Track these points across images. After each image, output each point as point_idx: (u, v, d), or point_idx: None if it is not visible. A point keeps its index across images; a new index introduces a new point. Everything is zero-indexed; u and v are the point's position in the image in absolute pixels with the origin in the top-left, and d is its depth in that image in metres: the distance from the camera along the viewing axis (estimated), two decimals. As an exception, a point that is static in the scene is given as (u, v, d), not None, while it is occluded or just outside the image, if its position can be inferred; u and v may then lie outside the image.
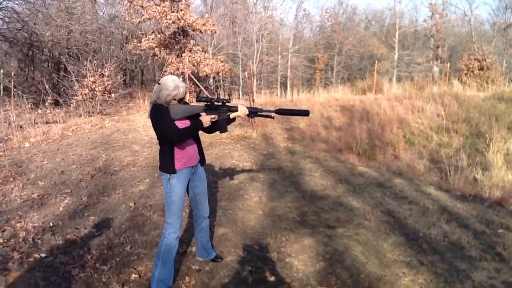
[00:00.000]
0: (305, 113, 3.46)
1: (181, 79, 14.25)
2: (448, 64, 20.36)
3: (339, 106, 13.55)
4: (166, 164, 3.23)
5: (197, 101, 3.21)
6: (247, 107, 3.28)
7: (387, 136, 10.87)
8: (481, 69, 20.12)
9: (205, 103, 3.25)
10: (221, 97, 3.25)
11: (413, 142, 10.93)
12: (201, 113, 3.28)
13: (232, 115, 3.27)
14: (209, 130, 3.34)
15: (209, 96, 15.43)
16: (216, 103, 3.24)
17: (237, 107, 3.25)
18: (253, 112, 3.31)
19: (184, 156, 3.25)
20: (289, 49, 30.59)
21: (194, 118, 3.25)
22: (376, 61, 21.94)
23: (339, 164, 7.52)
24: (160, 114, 3.16)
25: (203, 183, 3.52)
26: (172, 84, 3.15)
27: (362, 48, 34.73)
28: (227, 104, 3.25)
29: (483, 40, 29.61)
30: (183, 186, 3.29)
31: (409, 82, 21.22)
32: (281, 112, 3.34)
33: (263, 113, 3.34)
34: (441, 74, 24.57)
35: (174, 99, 3.18)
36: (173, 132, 3.12)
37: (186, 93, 3.21)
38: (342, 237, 4.38)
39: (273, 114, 3.31)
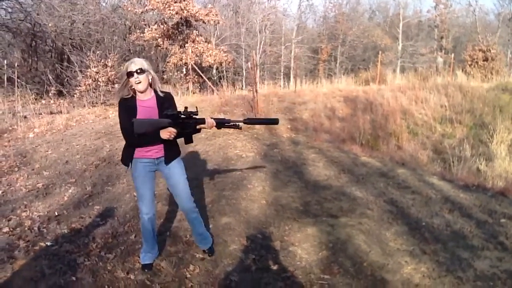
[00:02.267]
0: (274, 121, 3.49)
1: (184, 69, 14.20)
2: (452, 55, 20.24)
3: (342, 96, 13.52)
4: (123, 155, 3.40)
5: (162, 116, 3.15)
6: (214, 119, 3.27)
7: (391, 127, 10.86)
8: (486, 60, 20.02)
9: (170, 119, 3.16)
10: (189, 109, 3.21)
11: (417, 133, 10.92)
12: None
13: (198, 127, 3.25)
14: (175, 138, 3.27)
15: (213, 87, 15.43)
16: (182, 116, 3.18)
17: (204, 119, 3.23)
18: (221, 123, 3.30)
19: (140, 149, 3.29)
20: (293, 39, 30.51)
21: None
22: (380, 52, 21.85)
23: (342, 155, 7.54)
24: (118, 112, 3.24)
25: (174, 179, 3.44)
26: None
27: (365, 38, 34.56)
28: (193, 116, 3.21)
29: (487, 30, 29.44)
30: (141, 175, 3.34)
31: (412, 73, 21.17)
32: (249, 122, 3.43)
33: (231, 124, 3.32)
34: (445, 65, 24.45)
35: (129, 84, 3.19)
36: (127, 136, 3.23)
37: (145, 75, 3.16)
38: (345, 226, 4.40)
39: (241, 124, 3.32)
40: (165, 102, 3.27)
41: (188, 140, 3.34)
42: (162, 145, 3.31)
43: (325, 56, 33.89)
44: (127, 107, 3.19)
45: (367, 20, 39.69)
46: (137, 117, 3.15)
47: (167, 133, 3.14)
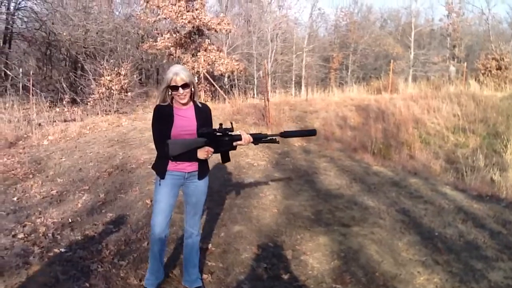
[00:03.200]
0: (312, 133, 3.40)
1: (196, 78, 14.25)
2: (465, 64, 20.16)
3: (354, 105, 13.51)
4: (156, 164, 3.22)
5: (198, 135, 3.04)
6: (250, 134, 3.15)
7: (403, 136, 10.83)
8: (499, 68, 19.86)
9: (206, 138, 3.06)
10: (224, 126, 3.09)
11: (429, 142, 10.86)
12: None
13: (235, 144, 3.12)
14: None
15: (224, 95, 15.51)
16: (218, 133, 3.07)
17: (240, 135, 3.11)
18: (257, 139, 3.19)
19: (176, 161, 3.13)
20: (304, 48, 30.58)
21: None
22: (392, 61, 21.80)
23: (354, 163, 7.52)
24: (152, 119, 3.12)
25: (197, 197, 3.27)
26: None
27: (377, 47, 34.51)
28: (229, 133, 3.10)
29: (501, 39, 29.15)
30: (167, 188, 3.14)
31: (425, 82, 21.07)
32: (287, 135, 3.29)
33: (268, 139, 3.20)
34: (458, 73, 24.33)
35: (169, 92, 3.05)
36: (158, 147, 3.10)
37: (190, 88, 3.04)
38: (357, 235, 4.40)
39: (278, 138, 3.20)
40: (202, 114, 3.16)
41: (225, 159, 3.23)
42: (196, 162, 3.16)
43: (337, 65, 33.89)
44: (163, 114, 3.07)
45: (379, 28, 39.61)
46: (174, 126, 3.02)
47: (204, 153, 3.04)
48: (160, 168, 3.14)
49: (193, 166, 3.15)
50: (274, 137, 3.20)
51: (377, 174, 6.96)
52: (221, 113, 11.67)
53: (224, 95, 15.67)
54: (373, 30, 36.35)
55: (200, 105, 3.18)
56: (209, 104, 14.78)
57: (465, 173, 7.85)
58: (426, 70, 30.42)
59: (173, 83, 2.95)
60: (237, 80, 25.26)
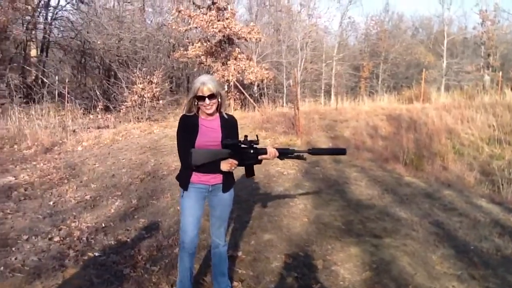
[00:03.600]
0: (342, 152, 3.28)
1: (225, 86, 14.41)
2: (500, 73, 19.62)
3: (385, 115, 13.34)
4: (180, 175, 3.17)
5: (222, 146, 2.98)
6: (277, 149, 3.04)
7: (435, 147, 10.59)
8: (536, 78, 19.26)
9: (230, 149, 2.98)
10: (249, 138, 3.00)
11: (463, 153, 10.59)
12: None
13: (260, 157, 3.03)
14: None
15: (254, 104, 15.57)
16: (243, 145, 2.98)
17: (265, 149, 3.01)
18: (284, 154, 3.07)
19: (197, 173, 3.06)
20: (334, 57, 30.48)
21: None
22: (424, 70, 21.45)
23: (385, 174, 7.42)
24: (177, 129, 3.08)
25: (221, 210, 3.22)
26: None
27: (408, 56, 34.11)
28: (254, 146, 3.00)
29: (538, 47, 28.36)
30: (192, 201, 3.09)
31: (458, 91, 20.63)
32: (314, 152, 3.19)
33: (294, 155, 3.10)
34: (493, 83, 23.75)
35: (195, 102, 3.01)
36: (182, 158, 3.04)
37: (216, 99, 2.99)
38: (389, 247, 4.32)
39: (305, 155, 3.09)
40: (228, 125, 3.10)
41: (249, 173, 3.13)
42: (221, 174, 3.10)
43: (367, 74, 33.62)
44: (189, 125, 3.03)
45: (410, 37, 39.16)
46: (199, 136, 2.98)
47: (228, 165, 2.98)
48: (183, 179, 3.11)
49: (217, 179, 3.09)
50: (301, 154, 3.10)
51: (409, 185, 6.84)
52: (251, 122, 11.72)
53: (254, 103, 15.73)
54: (404, 39, 35.97)
55: (226, 116, 3.12)
56: (239, 112, 14.89)
57: (501, 185, 7.62)
58: (459, 79, 29.80)
59: (199, 93, 2.91)
60: (267, 88, 25.33)
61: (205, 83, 2.90)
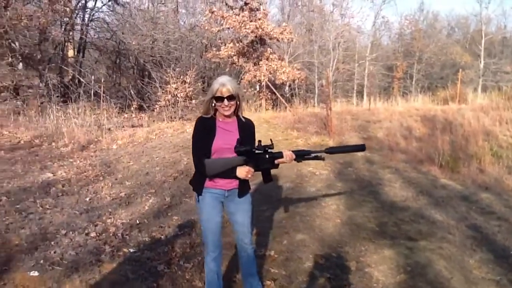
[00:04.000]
0: (360, 148, 3.14)
1: (257, 86, 14.39)
2: (541, 73, 18.92)
3: (419, 116, 13.09)
4: (193, 179, 3.12)
5: (235, 152, 2.88)
6: (293, 151, 2.98)
7: (472, 148, 10.31)
8: None
9: (243, 155, 2.90)
10: (263, 143, 2.95)
11: (501, 156, 10.27)
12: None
13: (276, 162, 2.97)
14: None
15: (285, 104, 15.54)
16: (257, 151, 2.91)
17: (281, 152, 2.95)
18: (301, 156, 3.00)
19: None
20: (366, 57, 30.10)
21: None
22: (460, 70, 20.92)
23: (420, 176, 7.27)
24: (193, 131, 3.02)
25: (242, 215, 3.13)
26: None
27: (443, 56, 33.34)
28: (269, 151, 2.94)
29: None
30: (209, 206, 3.02)
31: (496, 92, 20.01)
32: (332, 151, 3.08)
33: (312, 156, 3.03)
34: (533, 83, 22.89)
35: (213, 103, 2.94)
36: (196, 161, 2.95)
37: (235, 101, 2.92)
38: (424, 250, 4.24)
39: (323, 155, 3.02)
40: (245, 128, 3.03)
41: (267, 179, 3.09)
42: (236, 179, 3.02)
43: (400, 74, 33.02)
44: (205, 126, 2.96)
45: (446, 37, 38.26)
46: (216, 139, 2.91)
47: (244, 172, 2.89)
48: (197, 184, 3.05)
49: (233, 184, 3.01)
50: (319, 154, 3.03)
51: (445, 187, 6.68)
52: (282, 122, 11.71)
53: (285, 103, 15.71)
54: (439, 38, 35.18)
55: (243, 119, 3.05)
56: (270, 112, 14.89)
57: (541, 189, 7.35)
58: (497, 80, 28.93)
59: (218, 94, 2.85)
60: (298, 89, 25.25)
61: (225, 84, 2.85)
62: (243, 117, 3.07)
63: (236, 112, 3.01)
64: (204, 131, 2.95)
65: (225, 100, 2.85)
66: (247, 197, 3.14)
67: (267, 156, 2.94)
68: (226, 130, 2.97)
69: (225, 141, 2.91)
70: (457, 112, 13.42)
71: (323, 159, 3.05)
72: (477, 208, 5.68)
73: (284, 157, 2.94)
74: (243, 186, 3.07)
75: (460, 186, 6.85)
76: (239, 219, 3.13)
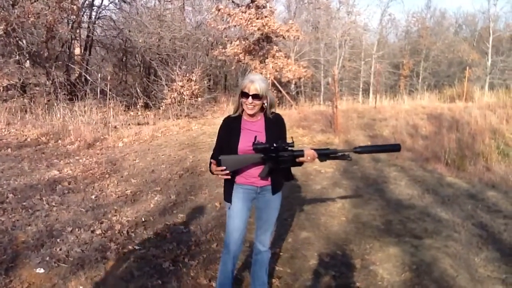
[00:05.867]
0: (395, 148, 2.92)
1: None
2: (550, 71, 18.75)
3: (425, 114, 13.03)
4: (224, 190, 3.03)
5: (253, 150, 2.76)
6: (316, 149, 2.80)
7: (478, 147, 10.24)
8: None
9: (261, 153, 2.79)
10: (285, 140, 2.87)
11: (508, 154, 10.19)
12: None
13: (298, 160, 2.81)
14: (269, 173, 2.89)
15: (292, 102, 15.52)
16: (276, 149, 2.78)
17: (302, 151, 2.79)
18: (325, 155, 2.82)
19: (243, 175, 2.93)
20: (373, 54, 29.96)
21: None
22: (467, 68, 20.77)
23: (426, 174, 7.24)
24: (218, 130, 3.01)
25: (269, 212, 3.06)
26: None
27: (451, 53, 33.12)
28: (290, 148, 2.78)
29: None
30: (240, 202, 2.96)
31: (503, 90, 19.86)
32: (362, 151, 2.84)
33: (338, 155, 2.81)
34: (541, 81, 22.70)
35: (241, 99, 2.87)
36: (210, 163, 2.88)
37: (260, 101, 2.84)
38: (429, 248, 4.22)
39: (351, 154, 2.80)
40: (273, 126, 2.93)
41: (288, 177, 3.05)
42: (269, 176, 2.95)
43: (407, 72, 32.88)
44: (229, 128, 2.92)
45: (453, 34, 38.02)
46: (240, 140, 2.86)
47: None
48: (225, 193, 3.01)
49: (266, 180, 2.94)
50: (346, 153, 2.80)
51: (451, 185, 6.65)
52: (288, 120, 11.59)
53: (292, 101, 15.69)
54: (446, 36, 34.97)
55: (271, 116, 2.94)
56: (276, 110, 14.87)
57: (549, 188, 7.29)
58: (505, 78, 28.68)
59: (245, 90, 2.78)
60: (304, 86, 25.21)
61: (254, 82, 2.77)
62: (272, 113, 2.96)
63: (264, 111, 2.93)
64: (227, 133, 2.92)
65: (250, 97, 2.78)
66: (279, 194, 3.07)
67: (286, 154, 2.79)
68: (252, 131, 2.88)
69: (250, 144, 2.79)
70: (463, 110, 13.33)
71: (350, 159, 2.84)
72: (483, 206, 5.65)
73: (305, 156, 2.79)
74: (277, 182, 2.99)
75: (466, 184, 6.82)
76: (266, 215, 3.07)
